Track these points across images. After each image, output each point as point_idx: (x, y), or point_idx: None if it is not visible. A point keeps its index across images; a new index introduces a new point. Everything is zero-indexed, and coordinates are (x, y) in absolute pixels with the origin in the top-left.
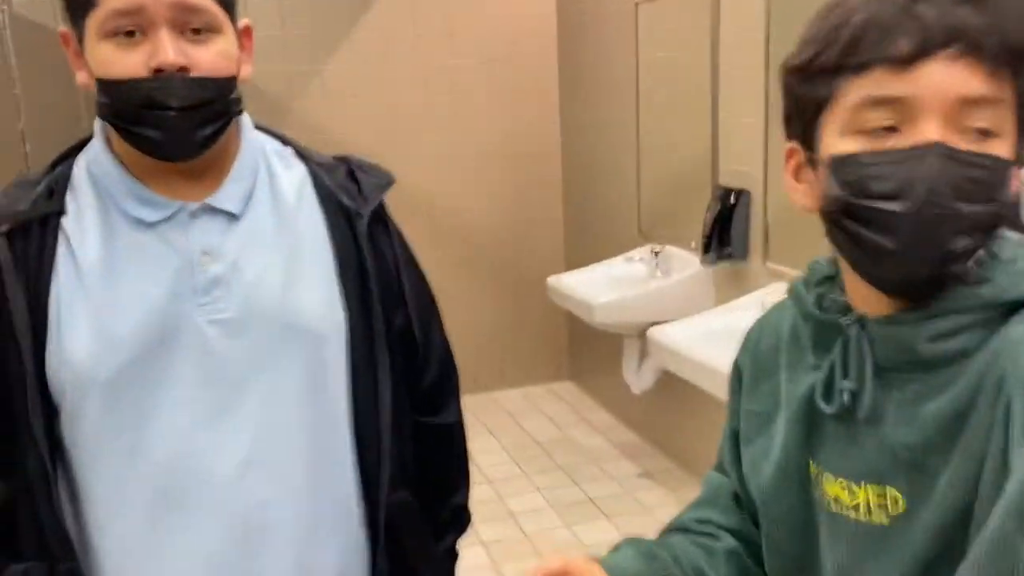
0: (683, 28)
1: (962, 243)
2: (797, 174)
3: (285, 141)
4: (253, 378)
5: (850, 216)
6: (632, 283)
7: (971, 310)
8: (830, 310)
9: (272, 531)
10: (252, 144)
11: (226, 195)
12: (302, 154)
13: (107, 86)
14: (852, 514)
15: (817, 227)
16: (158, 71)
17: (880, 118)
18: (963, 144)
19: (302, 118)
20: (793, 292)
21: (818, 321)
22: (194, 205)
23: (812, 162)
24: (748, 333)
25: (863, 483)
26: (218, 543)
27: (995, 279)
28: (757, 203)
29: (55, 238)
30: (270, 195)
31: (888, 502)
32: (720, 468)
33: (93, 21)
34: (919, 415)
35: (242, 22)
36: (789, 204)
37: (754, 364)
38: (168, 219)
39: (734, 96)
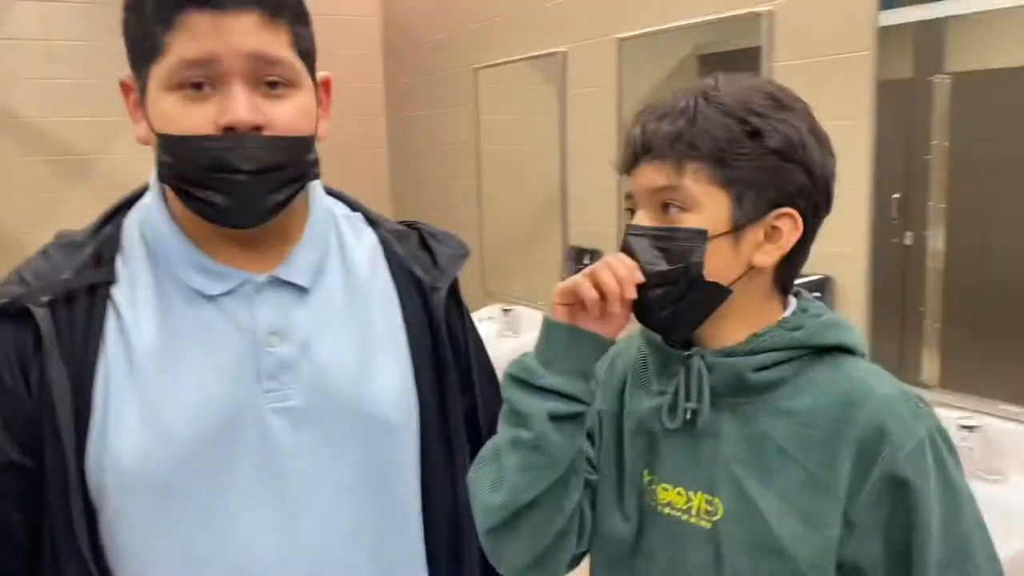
0: (529, 92)
1: (657, 296)
2: None
3: (354, 206)
4: (319, 474)
5: None
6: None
7: (785, 349)
8: (677, 344)
9: None
10: (322, 209)
11: (295, 266)
12: (372, 219)
13: (170, 143)
14: (683, 516)
15: None
16: (228, 129)
17: (628, 206)
18: (659, 220)
19: (109, 171)
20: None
21: (665, 352)
22: (260, 277)
23: None
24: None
25: (698, 491)
26: None
27: (806, 327)
28: None
29: (103, 310)
30: (341, 266)
31: (714, 508)
32: None
33: (159, 70)
34: (748, 436)
35: (321, 74)
36: None
37: (606, 374)
38: (230, 292)
39: (583, 159)
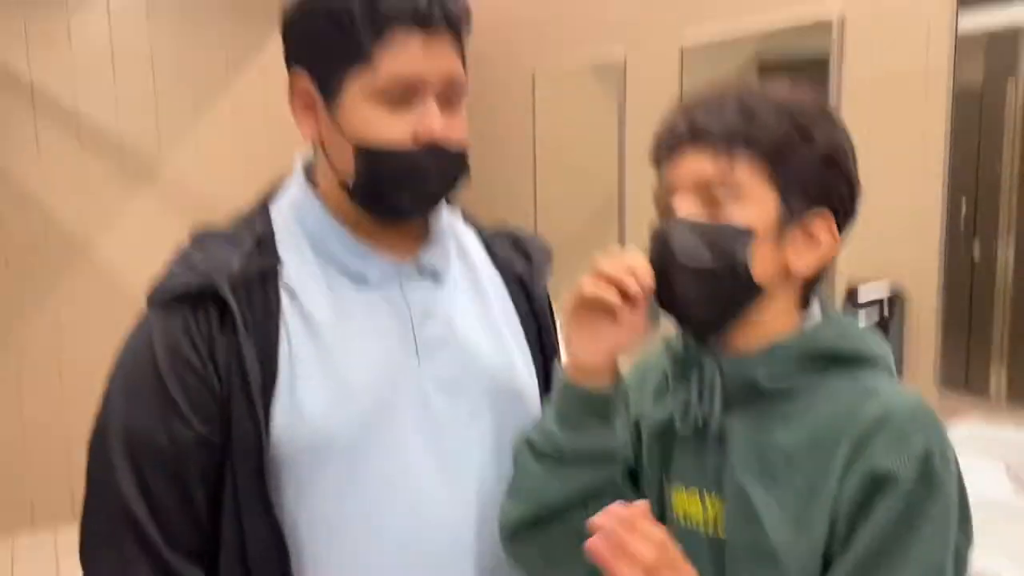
0: (586, 100)
1: (693, 292)
2: None
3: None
4: (471, 437)
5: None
6: None
7: (799, 358)
8: (691, 350)
9: None
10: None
11: (433, 255)
12: (470, 219)
13: (369, 153)
14: (701, 528)
15: None
16: (425, 143)
17: (665, 199)
18: (702, 212)
19: (174, 173)
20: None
21: (683, 357)
22: (407, 264)
23: None
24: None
25: (712, 492)
26: None
27: (824, 336)
28: None
29: (277, 292)
30: (459, 257)
31: (724, 513)
32: None
33: (363, 78)
34: (758, 443)
35: None
36: None
37: (638, 384)
38: (384, 276)
39: (642, 168)
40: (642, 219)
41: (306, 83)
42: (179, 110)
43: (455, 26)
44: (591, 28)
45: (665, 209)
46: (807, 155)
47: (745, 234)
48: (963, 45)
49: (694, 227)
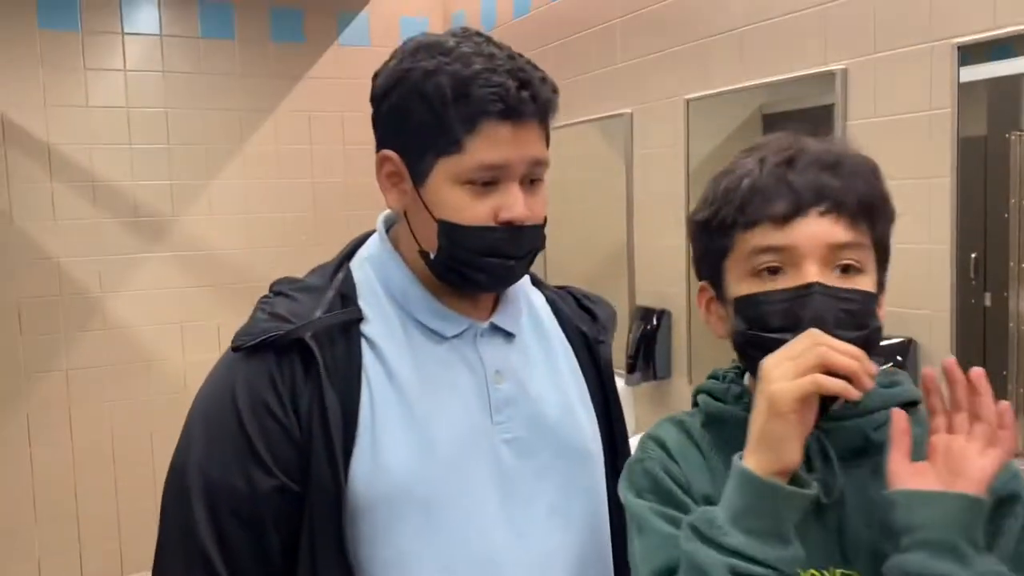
0: (593, 152)
1: None
2: (709, 307)
3: None
4: (537, 495)
5: (754, 346)
6: None
7: (890, 407)
8: None
9: None
10: None
11: (506, 316)
12: (536, 280)
13: (453, 230)
14: None
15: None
16: (505, 223)
17: (768, 262)
18: (835, 280)
19: (187, 232)
20: (708, 405)
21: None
22: (482, 324)
23: (721, 299)
24: (661, 442)
25: (833, 568)
26: None
27: (901, 383)
28: (680, 323)
29: (359, 344)
30: (530, 318)
31: None
32: None
33: (452, 164)
34: (873, 499)
35: None
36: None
37: (682, 470)
38: (460, 335)
39: (650, 219)
40: (650, 267)
41: (395, 162)
42: (192, 170)
43: (543, 114)
44: (598, 86)
45: (760, 273)
46: (889, 217)
47: (873, 300)
48: (965, 94)
49: (836, 295)
